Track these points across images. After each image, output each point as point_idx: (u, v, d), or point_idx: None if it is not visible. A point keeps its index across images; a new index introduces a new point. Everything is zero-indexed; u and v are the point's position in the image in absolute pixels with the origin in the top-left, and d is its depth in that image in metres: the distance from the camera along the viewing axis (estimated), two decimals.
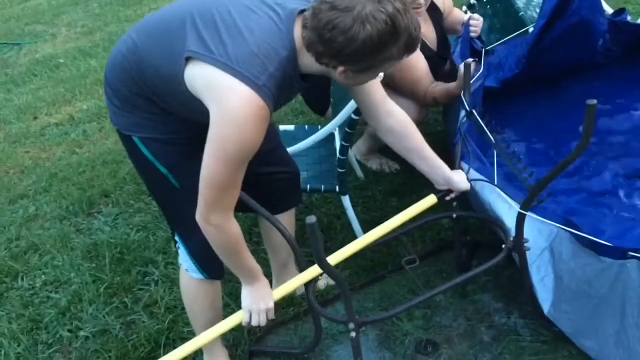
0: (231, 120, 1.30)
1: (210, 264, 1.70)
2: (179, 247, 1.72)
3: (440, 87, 2.30)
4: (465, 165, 1.83)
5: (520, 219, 1.59)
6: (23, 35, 6.45)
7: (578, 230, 1.49)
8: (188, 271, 1.73)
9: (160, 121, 1.51)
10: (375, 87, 1.61)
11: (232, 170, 1.37)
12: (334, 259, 1.65)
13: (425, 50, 2.40)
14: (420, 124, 2.69)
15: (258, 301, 1.60)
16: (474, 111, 1.93)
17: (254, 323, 1.62)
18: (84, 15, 6.78)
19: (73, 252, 2.58)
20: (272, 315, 1.63)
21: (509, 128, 2.35)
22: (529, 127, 2.35)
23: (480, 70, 2.14)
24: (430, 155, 1.71)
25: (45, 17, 6.93)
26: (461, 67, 2.09)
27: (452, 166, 1.80)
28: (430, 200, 1.73)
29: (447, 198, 1.74)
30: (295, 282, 1.67)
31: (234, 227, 1.47)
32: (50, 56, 5.59)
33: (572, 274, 1.57)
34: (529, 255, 1.66)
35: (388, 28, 1.26)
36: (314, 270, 1.64)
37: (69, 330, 2.17)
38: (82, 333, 2.14)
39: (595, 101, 1.27)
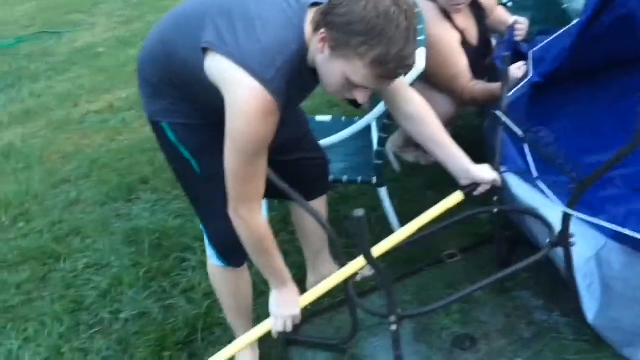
0: (239, 113, 1.32)
1: (228, 252, 1.72)
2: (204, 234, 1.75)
3: (482, 87, 2.25)
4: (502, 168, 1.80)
5: (566, 217, 1.56)
6: (63, 24, 6.58)
7: (631, 240, 1.45)
8: (210, 258, 1.76)
9: (187, 107, 1.54)
10: None
11: (246, 162, 1.38)
12: (374, 252, 1.64)
13: (466, 46, 2.37)
14: (455, 119, 2.67)
15: (284, 307, 1.60)
16: (501, 116, 1.87)
17: (279, 329, 1.61)
18: (122, 5, 6.89)
19: (113, 237, 2.64)
20: (297, 321, 1.63)
21: (549, 122, 2.30)
22: (570, 121, 2.30)
23: (529, 76, 2.09)
24: (449, 143, 1.65)
25: (84, 6, 7.06)
26: (510, 70, 2.04)
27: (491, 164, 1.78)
28: (457, 197, 1.66)
29: (476, 193, 1.67)
30: (325, 286, 1.64)
31: (261, 223, 1.49)
32: (89, 45, 5.70)
33: (627, 282, 1.53)
34: (574, 263, 1.63)
35: (390, 17, 1.23)
36: (348, 270, 1.61)
37: (110, 312, 2.22)
38: (122, 315, 2.19)
39: None
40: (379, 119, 2.13)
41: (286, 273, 1.60)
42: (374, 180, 2.20)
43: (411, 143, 2.81)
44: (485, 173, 1.64)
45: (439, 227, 1.85)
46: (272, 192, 1.66)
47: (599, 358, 1.68)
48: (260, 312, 2.08)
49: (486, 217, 2.24)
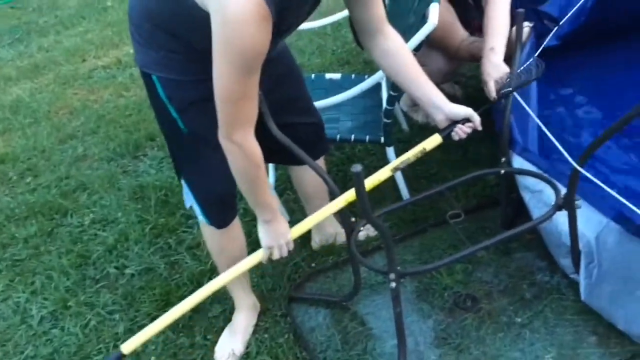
0: (231, 20, 1.24)
1: (212, 211, 1.72)
2: (184, 189, 1.74)
3: (481, 45, 2.17)
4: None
5: (574, 176, 1.53)
6: None
7: (630, 223, 1.46)
8: (195, 212, 1.76)
9: (179, 60, 1.49)
10: (376, 4, 1.54)
11: (240, 79, 1.31)
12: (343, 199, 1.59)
13: (460, 1, 2.29)
14: (451, 75, 2.59)
15: (277, 237, 1.58)
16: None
17: (275, 257, 1.60)
18: None
19: (120, 193, 2.65)
20: (292, 248, 1.61)
21: (564, 84, 2.25)
22: (587, 83, 2.24)
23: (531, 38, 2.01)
24: (424, 81, 1.60)
25: None
26: (513, 31, 1.97)
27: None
28: (435, 140, 1.61)
29: (456, 137, 1.60)
30: (316, 217, 1.61)
31: (256, 148, 1.42)
32: None
33: (613, 260, 1.55)
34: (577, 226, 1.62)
35: None
36: (340, 201, 1.59)
37: (116, 267, 2.25)
38: (128, 271, 2.22)
39: None
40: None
41: (275, 206, 1.57)
42: (382, 139, 2.17)
43: None
44: (459, 109, 1.58)
45: (444, 187, 1.83)
46: (272, 157, 1.64)
47: (599, 319, 1.68)
48: (264, 269, 2.10)
49: (492, 178, 2.22)
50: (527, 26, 1.92)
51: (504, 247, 1.97)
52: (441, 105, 1.58)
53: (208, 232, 1.81)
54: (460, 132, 1.59)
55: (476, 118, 1.58)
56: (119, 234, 2.40)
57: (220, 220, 1.75)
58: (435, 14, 1.84)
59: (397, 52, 1.59)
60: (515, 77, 1.78)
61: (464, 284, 1.89)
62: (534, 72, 1.71)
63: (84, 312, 2.07)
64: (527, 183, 1.80)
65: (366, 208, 1.36)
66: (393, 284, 1.50)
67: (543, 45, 2.03)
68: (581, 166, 1.51)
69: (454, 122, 1.59)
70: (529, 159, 1.77)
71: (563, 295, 1.78)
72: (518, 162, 1.82)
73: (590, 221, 1.60)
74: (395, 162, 1.63)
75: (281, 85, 1.71)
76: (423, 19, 1.88)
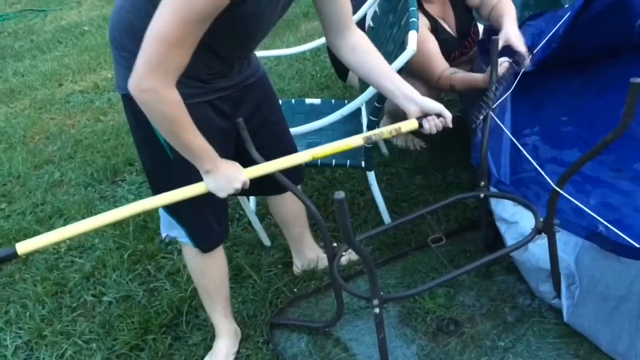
0: None
1: (198, 235, 1.71)
2: (161, 217, 1.72)
3: (461, 76, 2.20)
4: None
5: (553, 199, 1.56)
6: (48, 2, 6.46)
7: (603, 240, 1.49)
8: (177, 237, 1.74)
9: None
10: (345, 3, 1.58)
11: (183, 25, 1.25)
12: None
13: (442, 32, 2.34)
14: None
15: (229, 184, 1.47)
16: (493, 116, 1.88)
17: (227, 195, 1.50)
18: None
19: None
20: (247, 186, 1.51)
21: (538, 109, 2.30)
22: (559, 109, 2.29)
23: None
24: (395, 75, 1.63)
25: None
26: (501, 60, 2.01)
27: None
28: (411, 123, 1.61)
29: (428, 130, 1.59)
30: (271, 166, 1.56)
31: (174, 94, 1.33)
32: (75, 24, 5.60)
33: (592, 278, 1.57)
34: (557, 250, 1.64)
35: None
36: (300, 156, 1.57)
37: (93, 295, 2.20)
38: (105, 298, 2.17)
39: (639, 79, 1.23)
40: (369, 103, 2.11)
41: (212, 149, 1.45)
42: (363, 164, 2.18)
43: None
44: (432, 103, 1.60)
45: (425, 210, 1.85)
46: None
47: (580, 342, 1.69)
48: (245, 295, 2.08)
49: (472, 202, 2.24)
50: (506, 61, 1.97)
51: (485, 270, 1.99)
52: (414, 97, 1.60)
53: (190, 254, 1.79)
54: (434, 125, 1.59)
55: (447, 114, 1.60)
56: (96, 261, 2.35)
57: (206, 244, 1.73)
58: (413, 41, 1.88)
59: (365, 48, 1.63)
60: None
61: (446, 307, 1.89)
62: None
63: (60, 341, 2.02)
64: (504, 215, 1.83)
65: (348, 234, 1.36)
66: (376, 310, 1.49)
67: (519, 75, 2.07)
68: (560, 188, 1.54)
69: (427, 114, 1.61)
70: (504, 190, 1.81)
71: (544, 318, 1.79)
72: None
73: (568, 244, 1.63)
74: (369, 132, 1.61)
75: (260, 110, 1.71)
76: (402, 46, 1.91)
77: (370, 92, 2.04)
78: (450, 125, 1.61)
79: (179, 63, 1.31)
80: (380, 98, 2.00)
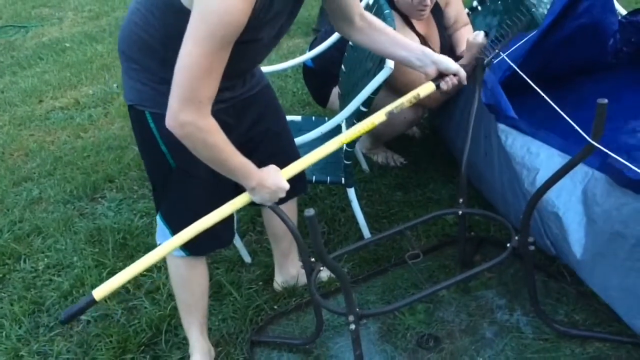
0: None
1: (191, 241, 1.68)
2: (158, 226, 1.74)
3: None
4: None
5: (527, 215, 1.58)
6: (30, 18, 6.44)
7: (617, 171, 1.45)
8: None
9: None
10: None
11: (211, 52, 1.29)
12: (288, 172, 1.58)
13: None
14: (416, 123, 2.68)
15: (274, 195, 1.53)
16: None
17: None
18: (90, 0, 6.76)
19: (76, 236, 2.59)
20: (287, 187, 1.56)
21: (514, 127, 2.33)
22: (534, 127, 2.33)
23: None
24: (405, 41, 1.68)
25: (52, 0, 6.91)
26: (472, 36, 2.07)
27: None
28: (429, 87, 1.66)
29: (445, 87, 1.66)
30: (311, 158, 1.59)
31: (211, 122, 1.37)
32: (56, 40, 5.58)
33: (608, 215, 1.51)
34: (559, 201, 1.63)
35: None
36: (335, 143, 1.60)
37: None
38: (83, 317, 2.14)
39: (606, 100, 1.26)
40: (349, 119, 2.13)
41: (252, 166, 1.50)
42: (343, 180, 2.20)
43: (380, 144, 2.83)
44: (449, 63, 1.66)
45: (404, 226, 1.87)
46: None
47: (559, 357, 1.71)
48: (226, 312, 2.07)
49: (452, 217, 2.27)
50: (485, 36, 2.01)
51: (464, 286, 2.00)
52: (428, 55, 1.66)
53: (174, 266, 1.79)
54: (451, 84, 1.66)
55: (463, 73, 1.66)
56: (74, 279, 2.32)
57: (200, 248, 1.73)
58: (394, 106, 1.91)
59: (372, 25, 1.68)
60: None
61: (426, 323, 1.90)
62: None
63: None
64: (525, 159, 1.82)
65: (321, 250, 1.37)
66: (352, 326, 1.50)
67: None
68: (533, 207, 1.57)
69: (442, 75, 1.66)
70: (517, 127, 1.82)
71: (522, 333, 1.81)
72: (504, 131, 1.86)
73: (576, 174, 1.59)
74: (390, 106, 1.63)
75: (263, 119, 1.73)
76: (380, 64, 1.94)
77: (349, 109, 2.06)
78: (465, 83, 1.68)
79: (211, 91, 1.35)
80: (359, 116, 2.02)
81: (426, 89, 1.66)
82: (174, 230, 1.69)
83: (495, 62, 2.07)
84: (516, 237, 1.64)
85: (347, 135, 1.62)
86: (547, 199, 1.67)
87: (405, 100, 1.64)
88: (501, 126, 1.90)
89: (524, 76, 1.84)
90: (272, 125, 1.78)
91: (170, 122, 1.35)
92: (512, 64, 1.93)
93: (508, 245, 1.64)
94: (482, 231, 2.23)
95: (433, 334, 1.86)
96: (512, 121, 1.87)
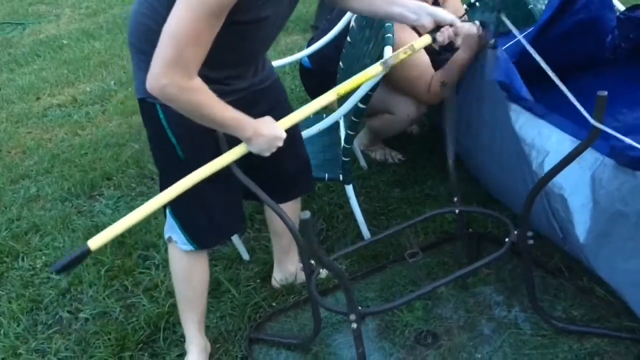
0: None
1: (199, 234, 1.72)
2: (166, 219, 1.74)
3: (444, 68, 2.22)
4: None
5: (526, 210, 1.58)
6: (27, 15, 6.41)
7: (619, 150, 1.45)
8: (177, 243, 1.75)
9: None
10: None
11: (200, 20, 1.28)
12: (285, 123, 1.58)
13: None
14: (418, 121, 2.68)
15: (271, 143, 1.51)
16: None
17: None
18: None
19: (74, 234, 2.58)
20: (284, 136, 1.55)
21: None
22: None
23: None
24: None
25: None
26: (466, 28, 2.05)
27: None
28: (425, 39, 1.66)
29: (441, 38, 1.66)
30: (307, 110, 1.60)
31: (195, 82, 1.36)
32: (53, 37, 5.56)
33: (609, 196, 1.51)
34: (565, 184, 1.62)
35: None
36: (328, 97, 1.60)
37: (69, 312, 2.17)
38: (81, 315, 2.14)
39: (605, 93, 1.26)
40: (347, 116, 2.13)
41: (246, 117, 1.48)
42: (341, 177, 2.20)
43: (378, 141, 2.83)
44: (444, 13, 1.66)
45: (403, 225, 1.87)
46: (251, 195, 1.65)
47: (557, 353, 1.71)
48: (224, 309, 2.06)
49: (450, 215, 2.26)
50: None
51: (462, 283, 2.00)
52: (423, 8, 1.66)
53: (177, 259, 1.80)
54: (447, 36, 1.66)
55: (459, 24, 1.66)
56: (72, 277, 2.32)
57: (207, 240, 1.75)
58: (389, 55, 1.90)
59: None
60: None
61: (424, 320, 1.90)
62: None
63: (35, 359, 1.99)
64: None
65: (318, 254, 1.36)
66: (354, 325, 1.50)
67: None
68: (532, 201, 1.56)
69: (439, 26, 1.67)
70: (528, 108, 1.81)
71: (520, 329, 1.81)
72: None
73: (585, 160, 1.58)
74: (385, 58, 1.66)
75: (272, 113, 1.72)
76: (378, 61, 1.93)
77: (347, 106, 2.06)
78: (462, 33, 1.68)
79: (195, 60, 1.33)
80: (357, 112, 2.02)
81: (422, 41, 1.67)
82: (183, 223, 1.71)
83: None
84: (515, 232, 1.63)
85: (343, 86, 1.62)
86: (555, 182, 1.66)
87: (401, 51, 1.65)
88: (513, 106, 1.88)
89: (540, 60, 1.81)
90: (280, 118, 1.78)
91: (150, 84, 1.34)
92: (528, 47, 1.89)
93: (507, 240, 1.64)
94: (480, 227, 2.23)
95: (431, 331, 1.86)
96: (526, 102, 1.85)
